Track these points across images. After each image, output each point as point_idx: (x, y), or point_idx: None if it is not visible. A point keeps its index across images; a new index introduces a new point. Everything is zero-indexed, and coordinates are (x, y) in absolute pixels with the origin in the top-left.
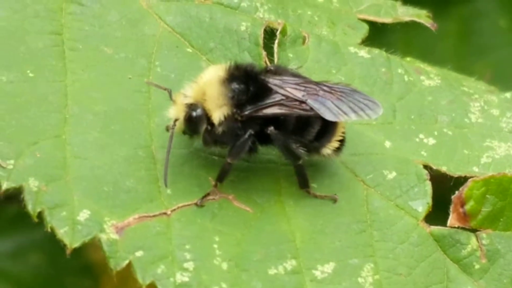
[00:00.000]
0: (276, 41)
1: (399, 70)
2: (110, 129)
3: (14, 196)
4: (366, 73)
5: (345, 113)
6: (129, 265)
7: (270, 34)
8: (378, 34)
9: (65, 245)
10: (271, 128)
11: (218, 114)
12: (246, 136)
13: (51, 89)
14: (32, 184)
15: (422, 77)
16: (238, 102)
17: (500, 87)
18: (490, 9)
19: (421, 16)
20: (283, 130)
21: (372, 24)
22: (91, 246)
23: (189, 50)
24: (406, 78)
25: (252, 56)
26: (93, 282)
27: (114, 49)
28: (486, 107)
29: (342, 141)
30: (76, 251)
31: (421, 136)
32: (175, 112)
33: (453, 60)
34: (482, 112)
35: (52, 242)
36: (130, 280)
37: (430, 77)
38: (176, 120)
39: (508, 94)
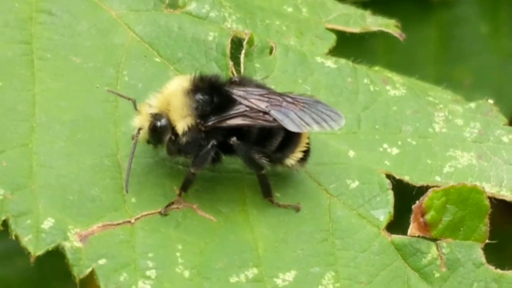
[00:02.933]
0: (243, 51)
1: (365, 80)
2: (77, 138)
3: None
4: (332, 83)
5: (308, 124)
6: (92, 273)
7: (237, 44)
8: (358, 41)
9: (29, 253)
10: (234, 139)
11: (182, 124)
12: (209, 146)
13: (19, 98)
14: None
15: (387, 87)
16: (202, 113)
17: (480, 93)
18: (470, 15)
19: (389, 26)
20: (246, 141)
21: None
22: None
23: (157, 59)
24: (371, 88)
25: (219, 66)
26: (79, 286)
27: (83, 58)
28: (450, 117)
29: (306, 152)
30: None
31: (385, 145)
32: (140, 121)
33: (433, 66)
34: (446, 122)
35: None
36: None
37: (396, 87)
38: (140, 129)
39: (472, 104)
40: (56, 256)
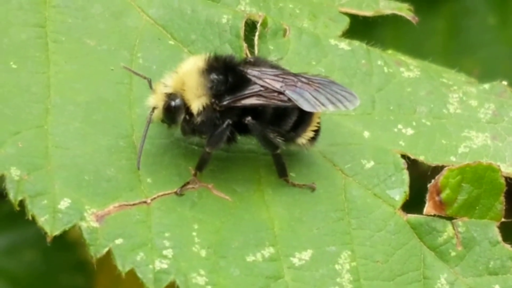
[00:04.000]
0: (257, 34)
1: (379, 62)
2: (92, 119)
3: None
4: (346, 64)
5: (322, 104)
6: (109, 252)
7: (251, 26)
8: (367, 30)
9: (45, 233)
10: (249, 118)
11: (196, 104)
12: (224, 125)
13: (34, 80)
14: (14, 173)
15: (401, 69)
16: (216, 93)
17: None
18: (478, 7)
19: (402, 9)
20: (260, 120)
21: (361, 20)
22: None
23: (171, 42)
24: (385, 69)
25: (233, 48)
26: (87, 279)
27: (96, 41)
28: (464, 98)
29: (317, 131)
30: (71, 248)
31: (400, 126)
32: (155, 101)
33: (441, 57)
34: (461, 103)
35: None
36: (123, 277)
37: (410, 68)
38: (154, 108)
39: (486, 86)
40: (64, 249)
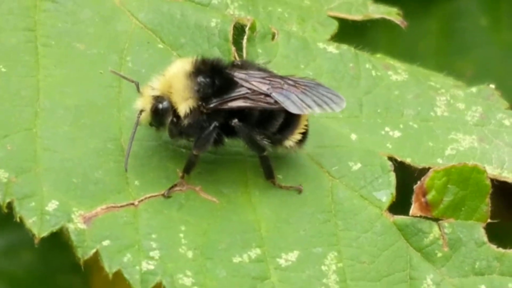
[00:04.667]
0: (245, 37)
1: (367, 65)
2: (81, 123)
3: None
4: (334, 68)
5: (309, 106)
6: (96, 254)
7: (240, 30)
8: (360, 32)
9: (33, 235)
10: (235, 121)
11: (183, 106)
12: (211, 128)
13: (24, 84)
14: (2, 175)
15: (389, 72)
16: (203, 95)
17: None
18: (471, 8)
19: (391, 13)
20: (247, 123)
21: (353, 24)
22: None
23: (160, 46)
24: (373, 73)
25: (222, 52)
26: (84, 279)
27: (86, 45)
28: (452, 101)
29: (304, 134)
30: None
31: (387, 129)
32: (142, 103)
33: (434, 58)
34: (448, 106)
35: (44, 240)
36: (119, 278)
37: (398, 72)
38: (142, 110)
39: (474, 89)
40: (61, 250)
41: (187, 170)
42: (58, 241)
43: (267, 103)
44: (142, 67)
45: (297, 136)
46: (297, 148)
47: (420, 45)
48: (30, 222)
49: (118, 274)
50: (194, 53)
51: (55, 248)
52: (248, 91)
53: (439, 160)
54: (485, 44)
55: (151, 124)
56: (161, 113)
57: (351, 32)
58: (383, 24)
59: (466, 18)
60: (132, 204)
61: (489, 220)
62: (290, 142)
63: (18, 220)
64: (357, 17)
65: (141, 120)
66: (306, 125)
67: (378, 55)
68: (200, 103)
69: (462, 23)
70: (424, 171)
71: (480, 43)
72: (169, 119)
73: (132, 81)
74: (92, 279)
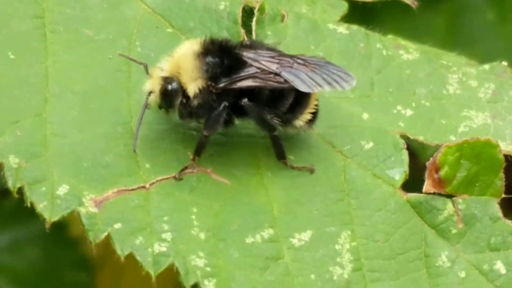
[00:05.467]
0: (254, 19)
1: (378, 45)
2: (90, 108)
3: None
4: (344, 48)
5: (319, 85)
6: (108, 237)
7: (249, 13)
8: (366, 26)
9: (44, 219)
10: (245, 100)
11: (193, 87)
12: (221, 108)
13: (32, 70)
14: (12, 161)
15: (400, 51)
16: (212, 75)
17: None
18: (478, 3)
19: None
20: (257, 102)
21: (359, 16)
22: (88, 242)
23: (169, 30)
24: (384, 52)
25: (231, 34)
26: (89, 275)
27: (94, 31)
28: (464, 78)
29: (315, 113)
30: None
31: (399, 107)
32: (151, 85)
33: None
34: (460, 84)
35: (49, 236)
36: (124, 273)
37: (409, 51)
38: (151, 92)
39: (486, 66)
40: (66, 246)
41: (198, 152)
42: (63, 237)
43: (277, 82)
44: (151, 52)
45: (307, 116)
46: (307, 128)
47: (427, 39)
48: (41, 206)
49: (122, 270)
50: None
51: (60, 244)
52: (257, 70)
53: (452, 138)
54: (492, 38)
55: (160, 107)
56: (170, 94)
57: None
58: (388, 19)
59: (472, 12)
60: (143, 187)
61: (503, 195)
62: (300, 122)
63: (29, 205)
64: None
65: (151, 102)
66: (316, 105)
67: (390, 36)
68: (209, 83)
69: (468, 17)
70: (437, 148)
71: (486, 37)
72: (179, 100)
73: (141, 63)
74: (97, 276)
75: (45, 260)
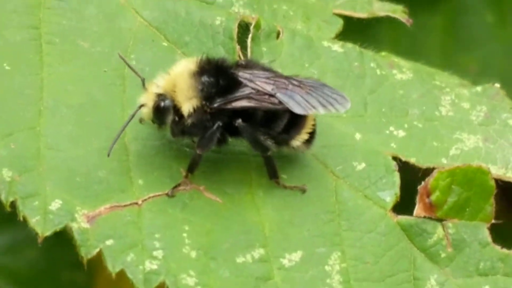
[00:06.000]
0: (250, 35)
1: (372, 64)
2: (84, 122)
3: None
4: (339, 67)
5: (313, 107)
6: (100, 253)
7: (244, 28)
8: (364, 28)
9: (36, 234)
10: (239, 121)
11: (187, 106)
12: (214, 128)
13: (27, 82)
14: (5, 174)
15: (394, 71)
16: (207, 95)
17: (485, 81)
18: (476, 4)
19: (396, 11)
20: (251, 123)
21: (358, 20)
22: (79, 258)
23: (165, 44)
24: (378, 72)
25: (226, 50)
26: (88, 277)
27: (90, 43)
28: (456, 100)
29: (312, 133)
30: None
31: (391, 128)
32: (145, 99)
33: (439, 55)
34: (453, 105)
35: (47, 237)
36: (123, 274)
37: (402, 71)
38: (142, 105)
39: (479, 88)
40: (64, 247)
41: (190, 169)
42: (62, 238)
43: (272, 103)
44: (146, 65)
45: (304, 136)
46: (305, 149)
47: (425, 41)
48: (34, 221)
49: (122, 272)
50: (199, 51)
51: (58, 245)
52: (253, 91)
53: (444, 160)
54: (490, 40)
55: (153, 121)
56: (162, 111)
57: (355, 28)
58: (387, 20)
59: (471, 14)
60: (136, 203)
61: (493, 221)
62: (297, 142)
63: (21, 219)
64: (362, 14)
65: (144, 116)
66: (313, 125)
67: (383, 53)
68: (204, 102)
69: (467, 19)
70: (428, 171)
71: (485, 39)
72: (171, 118)
73: (140, 76)
74: (96, 276)
75: (44, 261)
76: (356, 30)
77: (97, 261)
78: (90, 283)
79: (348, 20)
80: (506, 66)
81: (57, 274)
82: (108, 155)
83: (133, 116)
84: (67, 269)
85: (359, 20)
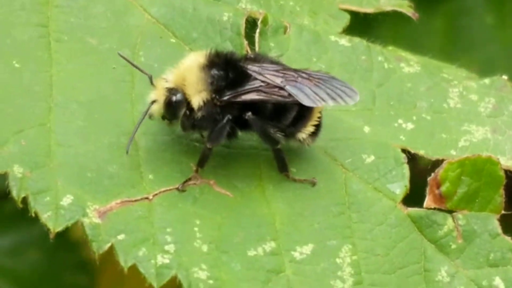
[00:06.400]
0: (258, 31)
1: (379, 58)
2: (94, 118)
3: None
4: (346, 60)
5: (322, 99)
6: (111, 248)
7: (252, 24)
8: (366, 31)
9: (48, 229)
10: (249, 114)
11: (197, 99)
12: (224, 121)
13: (37, 79)
14: (16, 170)
15: (402, 64)
16: (217, 88)
17: None
18: (477, 6)
19: (403, 6)
20: (260, 115)
21: (360, 19)
22: (91, 252)
23: (173, 40)
24: (386, 65)
25: (234, 46)
26: (90, 278)
27: (99, 40)
28: (465, 92)
29: (317, 126)
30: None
31: (400, 121)
32: (155, 96)
33: (439, 56)
34: (461, 98)
35: (51, 239)
36: (125, 277)
37: (410, 64)
38: (153, 101)
39: (486, 80)
40: (67, 249)
41: (201, 163)
42: (64, 240)
43: (281, 96)
44: (154, 62)
45: (310, 129)
46: (310, 141)
47: (425, 42)
48: (45, 216)
49: (123, 273)
50: (206, 47)
51: (61, 247)
52: (262, 84)
53: (453, 152)
54: (490, 42)
55: (163, 118)
56: (174, 105)
57: (356, 30)
58: (388, 21)
59: (471, 15)
60: (147, 198)
61: (503, 212)
62: (303, 134)
63: (33, 215)
64: (369, 9)
65: (154, 113)
66: (319, 117)
67: (390, 48)
68: (213, 95)
69: (467, 20)
70: (437, 162)
71: (485, 41)
72: (183, 111)
73: (146, 74)
74: (98, 278)
75: (46, 263)
76: (356, 31)
77: (100, 263)
78: (93, 286)
79: (350, 23)
80: (506, 68)
81: (59, 276)
82: (127, 152)
83: (146, 113)
84: (69, 271)
85: (361, 22)
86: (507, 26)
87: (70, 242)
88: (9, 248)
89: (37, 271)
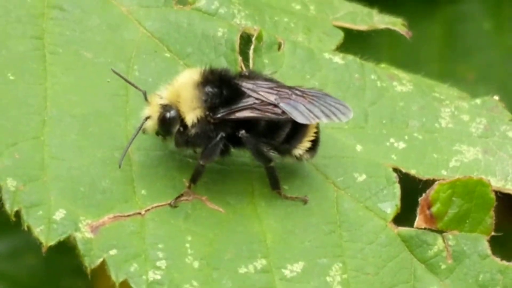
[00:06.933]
0: (252, 47)
1: (372, 76)
2: (88, 132)
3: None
4: (339, 78)
5: (317, 117)
6: (103, 263)
7: (246, 40)
8: (363, 37)
9: (40, 243)
10: (242, 132)
11: (191, 116)
12: (218, 138)
13: (31, 92)
14: (10, 184)
15: (394, 83)
16: (211, 105)
17: (483, 88)
18: (474, 12)
19: (396, 24)
20: (254, 132)
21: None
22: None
23: (167, 54)
24: (378, 83)
25: (228, 61)
26: (88, 283)
27: (93, 53)
28: (456, 112)
29: (315, 142)
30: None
31: (392, 140)
32: (149, 112)
33: (437, 63)
34: (453, 118)
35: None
36: (126, 283)
37: (403, 83)
38: (147, 117)
39: (478, 100)
40: (65, 253)
41: (193, 180)
42: (62, 245)
43: (275, 113)
44: (149, 76)
45: (306, 144)
46: (308, 157)
47: (423, 49)
48: (38, 230)
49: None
50: (201, 62)
51: (59, 252)
52: (256, 101)
53: (444, 172)
54: (488, 48)
55: (157, 133)
56: (168, 122)
57: (354, 37)
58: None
59: (469, 22)
60: (139, 213)
61: (493, 233)
62: (299, 150)
63: (26, 228)
64: (362, 27)
65: (148, 129)
66: (316, 133)
67: (383, 65)
68: (207, 113)
69: (465, 27)
70: (428, 182)
71: (483, 47)
72: (176, 128)
73: (140, 90)
74: (96, 283)
75: (44, 268)
76: (355, 38)
77: (98, 268)
78: None
79: (348, 29)
80: (504, 74)
81: (57, 280)
82: (120, 167)
83: (140, 129)
84: (67, 275)
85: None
86: (505, 32)
87: (67, 246)
88: (7, 252)
89: (35, 276)
